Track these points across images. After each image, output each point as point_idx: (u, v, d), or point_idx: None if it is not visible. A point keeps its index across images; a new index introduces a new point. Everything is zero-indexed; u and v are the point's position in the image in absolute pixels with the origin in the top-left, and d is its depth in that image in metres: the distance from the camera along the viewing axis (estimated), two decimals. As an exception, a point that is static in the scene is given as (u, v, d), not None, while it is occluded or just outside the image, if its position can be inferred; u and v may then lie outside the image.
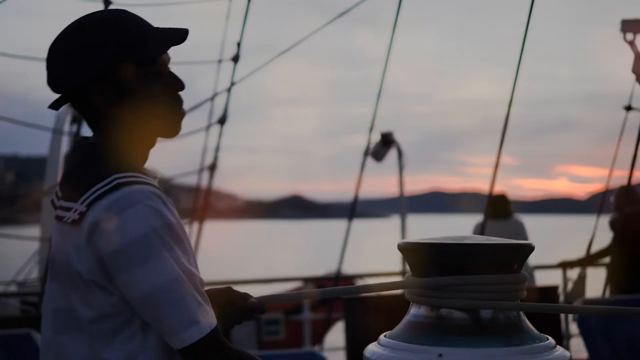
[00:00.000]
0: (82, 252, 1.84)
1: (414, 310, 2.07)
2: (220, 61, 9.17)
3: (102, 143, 1.96)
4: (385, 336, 2.08)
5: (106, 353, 1.86)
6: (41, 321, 1.99)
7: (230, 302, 2.18)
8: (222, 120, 9.08)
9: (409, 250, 2.09)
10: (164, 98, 1.97)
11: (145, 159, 2.01)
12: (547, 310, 2.03)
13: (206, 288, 2.00)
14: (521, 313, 2.03)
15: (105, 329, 1.86)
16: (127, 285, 1.82)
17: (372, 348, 2.05)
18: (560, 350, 2.00)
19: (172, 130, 2.00)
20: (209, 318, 1.85)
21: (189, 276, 1.84)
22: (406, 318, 2.08)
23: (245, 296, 2.21)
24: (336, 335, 9.69)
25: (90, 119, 1.99)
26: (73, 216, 1.86)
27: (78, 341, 1.88)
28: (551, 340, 2.02)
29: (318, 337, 10.18)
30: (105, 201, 1.83)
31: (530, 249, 2.05)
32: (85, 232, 1.83)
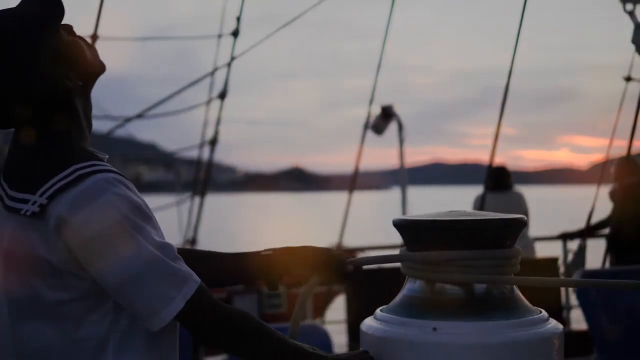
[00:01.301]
0: (52, 244, 1.82)
1: (409, 285, 2.09)
2: (220, 36, 9.19)
3: (46, 131, 1.91)
4: (381, 310, 2.10)
5: (79, 333, 1.85)
6: None
7: (327, 263, 2.15)
8: (222, 95, 9.11)
9: (403, 227, 2.11)
10: (78, 46, 1.96)
11: (88, 137, 1.98)
12: (538, 284, 2.06)
13: (304, 246, 2.14)
14: (515, 287, 2.06)
15: (77, 310, 1.85)
16: (102, 274, 1.81)
17: (368, 322, 2.08)
18: (553, 322, 2.03)
19: (100, 64, 2.00)
20: (184, 287, 1.84)
21: (163, 249, 1.84)
22: (402, 292, 2.10)
23: (343, 257, 2.16)
24: (337, 309, 9.74)
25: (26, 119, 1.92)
26: (32, 208, 1.82)
27: (42, 327, 1.86)
28: (544, 313, 2.05)
29: (319, 310, 10.22)
30: (70, 194, 1.81)
31: (523, 223, 2.07)
32: (52, 226, 1.81)
